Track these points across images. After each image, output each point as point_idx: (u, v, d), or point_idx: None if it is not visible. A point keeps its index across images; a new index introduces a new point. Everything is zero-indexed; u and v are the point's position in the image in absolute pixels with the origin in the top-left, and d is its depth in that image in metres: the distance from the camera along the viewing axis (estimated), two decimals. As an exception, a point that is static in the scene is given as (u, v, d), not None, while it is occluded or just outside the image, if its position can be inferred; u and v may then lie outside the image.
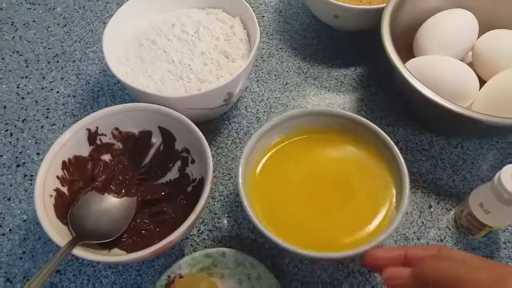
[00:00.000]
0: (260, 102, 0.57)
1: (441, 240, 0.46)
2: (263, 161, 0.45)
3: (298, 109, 0.46)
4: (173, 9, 0.56)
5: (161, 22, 0.54)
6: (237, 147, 0.53)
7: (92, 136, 0.45)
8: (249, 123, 0.55)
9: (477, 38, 0.54)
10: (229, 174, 0.51)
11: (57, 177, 0.42)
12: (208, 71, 0.49)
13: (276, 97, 0.57)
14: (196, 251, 0.44)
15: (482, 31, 0.54)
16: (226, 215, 0.48)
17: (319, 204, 0.42)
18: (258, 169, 0.44)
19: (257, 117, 0.55)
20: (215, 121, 0.55)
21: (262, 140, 0.44)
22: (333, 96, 0.57)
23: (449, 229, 0.47)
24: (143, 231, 0.44)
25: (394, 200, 0.41)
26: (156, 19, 0.55)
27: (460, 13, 0.54)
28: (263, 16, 0.66)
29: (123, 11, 0.52)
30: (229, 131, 0.54)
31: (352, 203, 0.42)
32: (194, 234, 0.47)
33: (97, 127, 0.45)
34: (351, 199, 0.42)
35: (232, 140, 0.54)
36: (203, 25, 0.53)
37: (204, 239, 0.47)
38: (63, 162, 0.43)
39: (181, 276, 0.42)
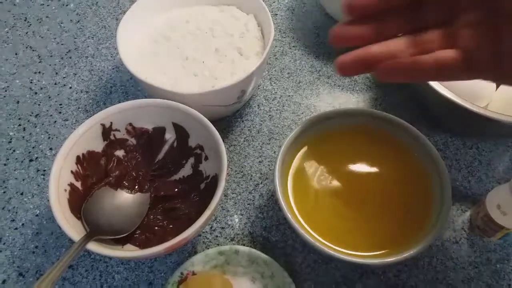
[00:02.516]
0: (273, 100, 0.57)
1: (457, 242, 0.45)
2: (295, 162, 0.44)
3: (330, 109, 0.46)
4: (187, 5, 0.56)
5: (175, 19, 0.54)
6: (249, 144, 0.53)
7: (106, 131, 0.45)
8: (261, 120, 0.55)
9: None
10: (242, 172, 0.51)
11: (71, 171, 0.42)
12: (222, 68, 0.49)
13: (289, 95, 0.57)
14: (208, 248, 0.44)
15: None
16: (239, 213, 0.48)
17: (354, 208, 0.41)
18: (291, 170, 0.44)
19: (269, 115, 0.55)
20: (228, 118, 0.55)
21: (296, 141, 0.44)
22: (347, 95, 0.57)
23: (465, 231, 0.46)
24: (156, 228, 0.44)
25: (432, 213, 0.40)
26: (170, 15, 0.55)
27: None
28: (276, 14, 0.66)
29: (137, 8, 0.52)
30: (242, 129, 0.54)
31: (388, 209, 0.41)
32: (206, 231, 0.47)
33: (111, 123, 0.45)
34: (387, 204, 0.41)
35: (244, 138, 0.53)
36: (218, 22, 0.53)
37: (217, 236, 0.46)
38: (77, 156, 0.43)
39: (194, 273, 0.42)
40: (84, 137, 0.43)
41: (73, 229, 0.38)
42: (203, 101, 0.46)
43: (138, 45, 0.52)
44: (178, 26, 0.53)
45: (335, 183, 0.43)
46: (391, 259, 0.36)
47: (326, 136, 0.45)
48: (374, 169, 0.43)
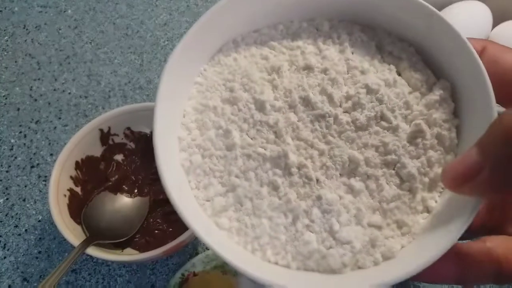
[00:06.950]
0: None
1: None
2: None
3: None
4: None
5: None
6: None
7: (104, 136, 0.45)
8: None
9: (491, 30, 0.53)
10: (241, 172, 0.51)
11: (71, 177, 0.43)
12: None
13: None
14: (209, 249, 0.44)
15: (496, 23, 0.53)
16: (238, 213, 0.48)
17: None
18: None
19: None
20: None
21: None
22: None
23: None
24: (156, 231, 0.44)
25: None
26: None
27: (473, 4, 0.53)
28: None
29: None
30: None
31: None
32: (207, 233, 0.47)
33: (109, 127, 0.45)
34: None
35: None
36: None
37: (217, 237, 0.46)
38: (76, 162, 0.43)
39: (195, 274, 0.42)
40: (82, 142, 0.43)
41: (72, 234, 0.38)
42: None
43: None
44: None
45: None
46: None
47: None
48: None
